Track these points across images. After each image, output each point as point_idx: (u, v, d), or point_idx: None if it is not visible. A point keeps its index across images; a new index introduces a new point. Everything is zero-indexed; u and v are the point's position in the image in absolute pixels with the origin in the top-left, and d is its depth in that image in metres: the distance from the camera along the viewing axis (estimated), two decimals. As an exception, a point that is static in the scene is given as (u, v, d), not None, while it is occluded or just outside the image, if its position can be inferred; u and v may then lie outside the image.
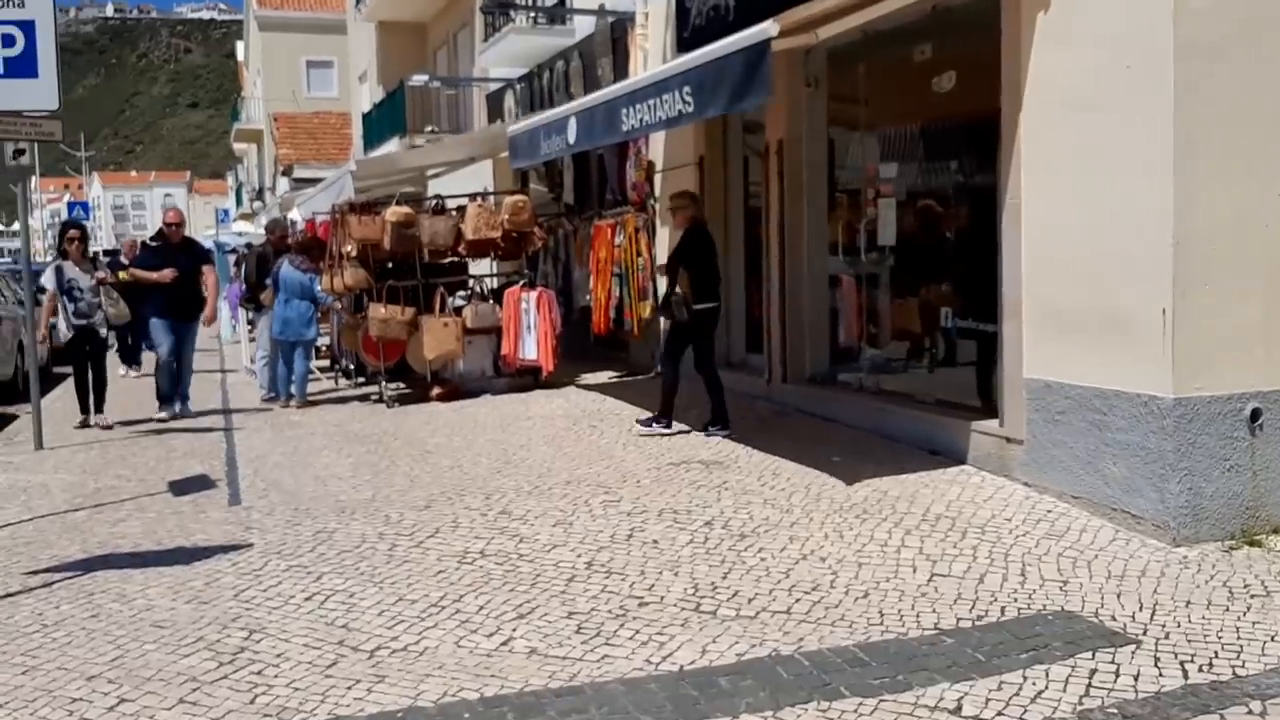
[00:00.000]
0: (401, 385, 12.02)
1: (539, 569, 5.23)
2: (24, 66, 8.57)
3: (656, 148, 11.63)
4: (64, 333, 9.92)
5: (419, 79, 15.74)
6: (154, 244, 10.95)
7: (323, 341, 13.81)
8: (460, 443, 8.62)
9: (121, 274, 10.84)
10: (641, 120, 7.50)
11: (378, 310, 10.68)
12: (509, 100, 16.08)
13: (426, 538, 5.83)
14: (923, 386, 7.84)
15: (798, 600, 4.68)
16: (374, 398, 11.33)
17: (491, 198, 11.34)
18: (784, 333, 9.13)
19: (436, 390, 11.01)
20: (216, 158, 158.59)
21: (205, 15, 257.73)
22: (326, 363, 13.56)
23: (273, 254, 11.31)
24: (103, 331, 10.24)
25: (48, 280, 9.99)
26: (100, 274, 10.17)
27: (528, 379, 11.51)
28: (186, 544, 5.87)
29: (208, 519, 6.44)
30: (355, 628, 4.52)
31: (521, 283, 11.19)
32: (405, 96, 19.09)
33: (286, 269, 11.03)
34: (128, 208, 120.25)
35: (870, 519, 5.79)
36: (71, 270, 9.96)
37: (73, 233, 10.18)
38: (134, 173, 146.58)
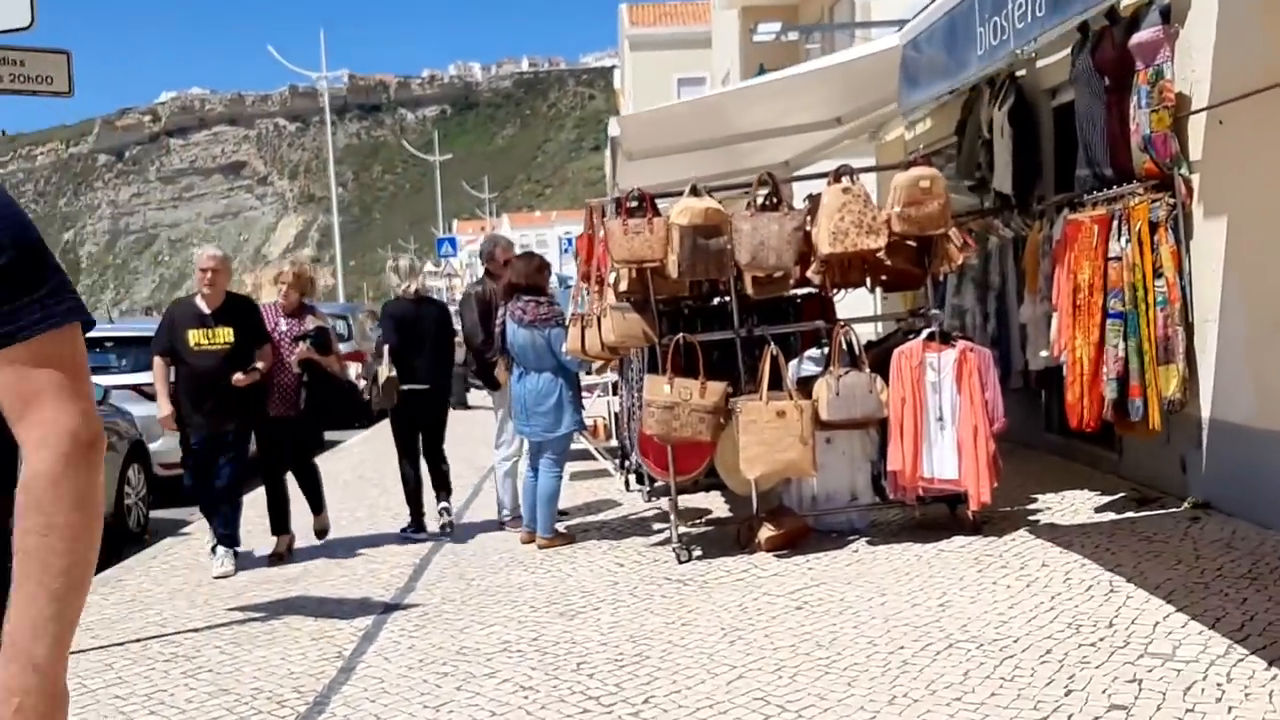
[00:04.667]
0: (710, 514, 7.13)
1: None
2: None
3: (1197, 65, 5.94)
4: None
5: (767, 30, 10.80)
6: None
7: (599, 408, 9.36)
8: (810, 708, 3.56)
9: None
10: None
11: (658, 388, 5.85)
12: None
13: None
14: None
15: None
16: (662, 530, 6.54)
17: (862, 180, 6.15)
18: None
19: (766, 532, 6.00)
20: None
21: (607, 63, 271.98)
22: (613, 442, 8.98)
23: (499, 294, 6.80)
24: None
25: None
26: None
27: (939, 507, 6.24)
28: None
29: None
30: None
31: (926, 332, 5.94)
32: (760, 76, 14.35)
33: (510, 324, 6.53)
34: (533, 245, 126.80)
35: None
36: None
37: None
38: (538, 213, 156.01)
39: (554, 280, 18.79)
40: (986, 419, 5.79)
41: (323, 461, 11.36)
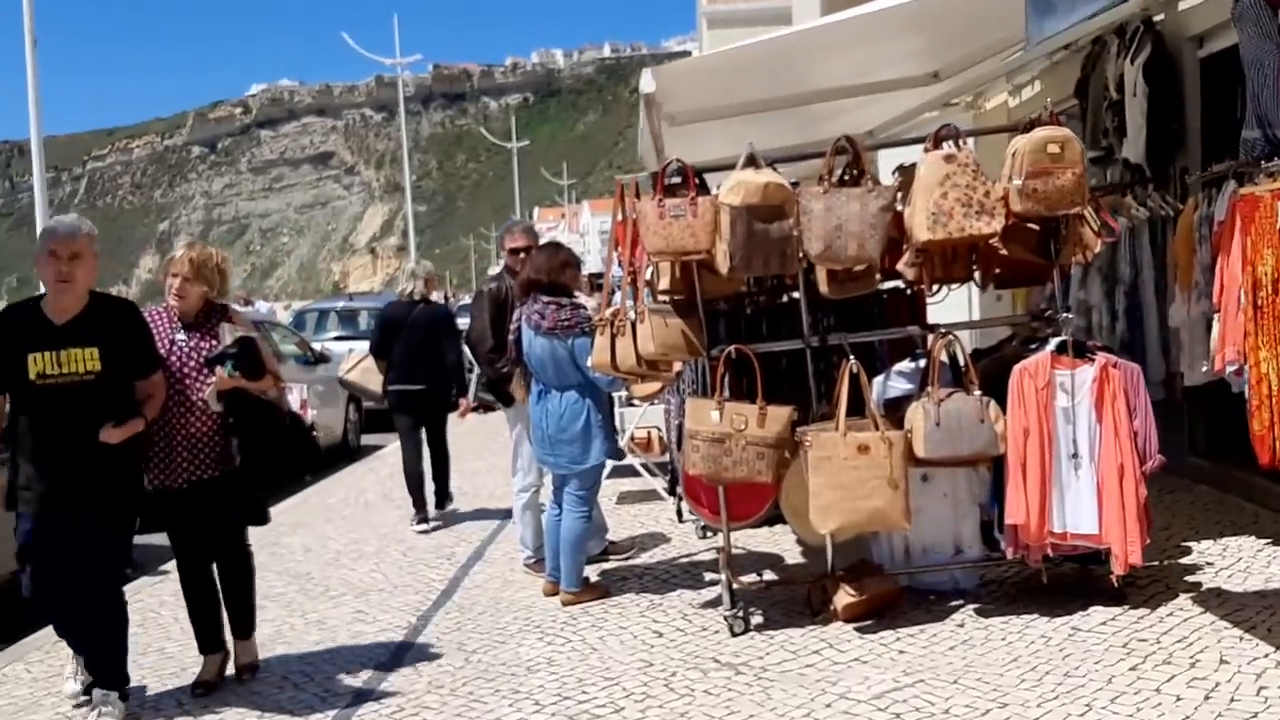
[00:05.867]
0: (781, 560, 5.81)
1: None
2: None
3: None
4: None
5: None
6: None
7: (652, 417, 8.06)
8: None
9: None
10: None
11: (703, 415, 4.58)
12: None
13: None
14: None
15: None
16: (717, 583, 5.26)
17: (971, 144, 4.79)
18: None
19: (845, 598, 4.69)
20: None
21: (689, 46, 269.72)
22: (665, 457, 7.71)
23: (518, 292, 5.57)
24: None
25: None
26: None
27: (1070, 568, 4.86)
28: None
29: None
30: None
31: (1055, 342, 4.56)
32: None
33: (526, 330, 5.32)
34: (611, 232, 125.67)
35: None
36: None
37: None
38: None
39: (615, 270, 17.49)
40: (1135, 455, 4.41)
41: (351, 473, 10.32)
